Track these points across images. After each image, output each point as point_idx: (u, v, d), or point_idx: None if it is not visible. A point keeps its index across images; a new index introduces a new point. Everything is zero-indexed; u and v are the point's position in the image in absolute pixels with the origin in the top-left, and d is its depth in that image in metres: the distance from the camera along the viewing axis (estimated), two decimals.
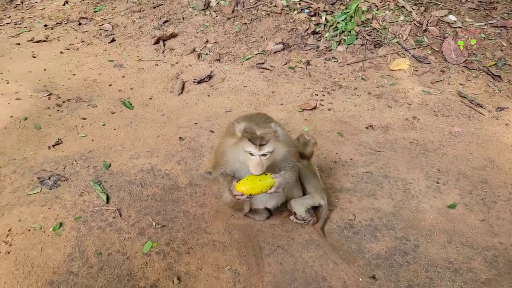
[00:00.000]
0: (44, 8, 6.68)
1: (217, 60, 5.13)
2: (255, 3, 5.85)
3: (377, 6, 5.50)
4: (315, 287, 2.43)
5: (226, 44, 5.39)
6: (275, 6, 5.73)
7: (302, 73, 4.83)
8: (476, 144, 3.71)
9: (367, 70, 4.87)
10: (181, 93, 4.49)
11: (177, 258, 2.59)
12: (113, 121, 3.96)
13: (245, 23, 5.61)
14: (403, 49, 5.04)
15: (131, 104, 4.27)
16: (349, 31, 5.25)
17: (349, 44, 5.18)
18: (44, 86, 4.54)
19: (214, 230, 2.81)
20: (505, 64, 4.74)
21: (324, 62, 5.02)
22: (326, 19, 5.44)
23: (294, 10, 5.64)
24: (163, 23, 5.86)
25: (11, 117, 3.92)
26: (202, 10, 5.93)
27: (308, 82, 4.66)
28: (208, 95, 4.46)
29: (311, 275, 2.50)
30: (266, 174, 2.44)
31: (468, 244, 2.71)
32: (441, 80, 4.64)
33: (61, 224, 2.80)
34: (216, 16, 5.81)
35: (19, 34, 5.93)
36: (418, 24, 5.27)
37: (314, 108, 4.22)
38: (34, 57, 5.27)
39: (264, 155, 2.34)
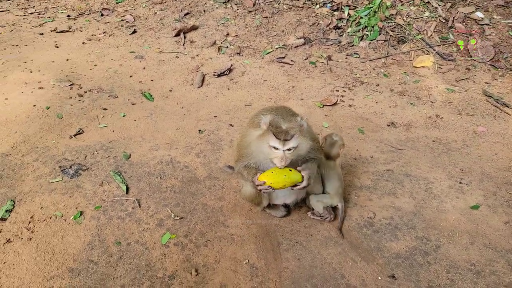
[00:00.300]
0: None
1: (237, 53, 5.11)
2: None
3: (401, 1, 5.37)
4: (333, 284, 2.41)
5: (247, 37, 5.36)
6: (297, 0, 5.66)
7: (323, 68, 4.77)
8: (501, 144, 3.60)
9: (390, 67, 4.77)
10: (201, 85, 4.49)
11: (195, 250, 2.61)
12: (134, 112, 4.00)
13: (266, 17, 5.56)
14: (427, 46, 4.91)
15: (151, 95, 4.30)
16: (372, 27, 5.15)
17: (371, 40, 5.08)
18: (67, 76, 4.61)
19: (232, 223, 2.81)
20: None
21: (346, 58, 4.94)
22: (348, 13, 5.34)
23: (317, 4, 5.56)
24: (184, 15, 5.87)
25: (34, 106, 4.00)
26: (223, 3, 5.91)
27: (329, 78, 4.60)
28: (228, 89, 4.45)
29: (329, 272, 2.48)
30: (291, 170, 2.41)
31: (491, 246, 2.64)
32: (466, 78, 4.52)
33: (81, 213, 2.84)
34: (237, 9, 5.78)
35: (43, 24, 6.03)
36: (443, 21, 5.12)
37: (335, 104, 4.16)
38: (57, 47, 5.35)
39: (288, 149, 2.32)
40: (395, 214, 2.89)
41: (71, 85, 4.43)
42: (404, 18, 5.21)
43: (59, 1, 6.73)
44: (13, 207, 2.87)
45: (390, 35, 5.08)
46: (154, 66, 4.89)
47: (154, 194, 3.04)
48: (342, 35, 5.22)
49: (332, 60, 4.91)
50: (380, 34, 5.10)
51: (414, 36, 5.04)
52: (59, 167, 3.25)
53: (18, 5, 6.68)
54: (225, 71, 4.68)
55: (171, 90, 4.41)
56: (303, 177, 2.45)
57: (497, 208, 2.94)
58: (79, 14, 6.30)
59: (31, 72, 4.66)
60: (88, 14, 6.29)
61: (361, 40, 5.13)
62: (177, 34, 5.47)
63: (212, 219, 2.84)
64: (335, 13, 5.42)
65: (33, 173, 3.18)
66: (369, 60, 4.87)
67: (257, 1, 5.80)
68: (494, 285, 2.40)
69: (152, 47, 5.31)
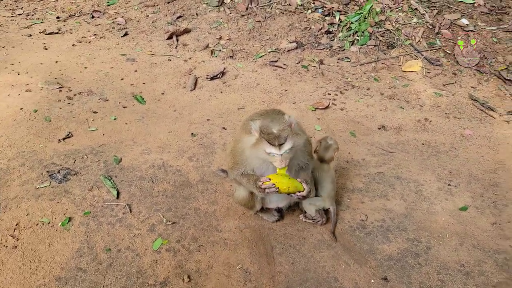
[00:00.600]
0: (57, 0, 6.69)
1: (230, 57, 5.11)
2: (269, 1, 5.83)
3: (390, 8, 5.47)
4: None
5: (240, 41, 5.37)
6: (289, 4, 5.70)
7: (315, 72, 4.81)
8: (488, 147, 3.68)
9: (380, 71, 4.84)
10: (194, 89, 4.48)
11: (187, 256, 2.58)
12: (125, 116, 3.96)
13: (259, 21, 5.59)
14: (415, 51, 5.00)
15: (143, 98, 4.27)
16: (363, 32, 5.22)
17: (362, 45, 5.15)
18: (55, 78, 4.54)
19: (225, 228, 2.80)
20: None
21: (337, 62, 5.00)
22: (339, 19, 5.41)
23: (308, 9, 5.62)
24: (177, 18, 5.86)
25: (21, 109, 3.92)
26: (216, 6, 5.92)
27: (321, 81, 4.64)
28: (221, 92, 4.45)
29: (323, 276, 2.50)
30: (293, 179, 2.43)
31: (480, 247, 2.70)
32: (453, 83, 4.61)
33: (70, 219, 2.79)
34: (230, 13, 5.80)
35: (31, 25, 5.94)
36: (430, 27, 5.23)
37: (327, 107, 4.20)
38: (46, 49, 5.27)
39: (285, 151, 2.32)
40: (387, 216, 2.93)
41: (60, 87, 4.36)
42: (393, 24, 5.30)
43: (48, 3, 6.64)
44: None
45: (380, 40, 5.17)
46: (146, 69, 4.86)
47: (146, 199, 3.00)
48: (333, 40, 5.28)
49: (324, 64, 4.96)
50: (370, 39, 5.18)
51: (403, 42, 5.13)
52: (47, 172, 3.18)
53: (5, 6, 6.56)
54: (218, 74, 4.68)
55: (163, 93, 4.39)
56: (304, 188, 2.48)
57: (485, 210, 3.00)
58: (69, 16, 6.23)
59: (18, 74, 4.58)
60: (79, 16, 6.22)
61: (352, 44, 5.20)
62: (170, 37, 5.46)
63: (205, 224, 2.82)
64: (327, 18, 5.48)
65: (19, 178, 3.10)
66: (360, 65, 4.93)
67: (249, 5, 5.83)
68: (483, 285, 2.45)
69: (144, 50, 5.28)
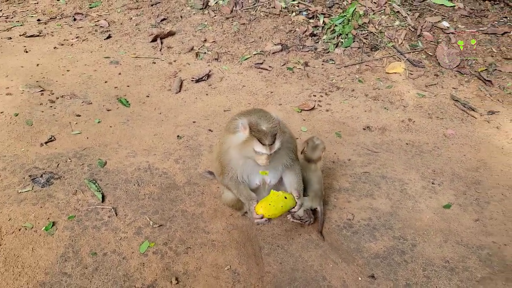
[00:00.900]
0: (37, 3, 6.56)
1: (215, 59, 5.11)
2: (254, 4, 5.86)
3: (373, 11, 5.57)
4: (315, 287, 2.44)
5: (225, 43, 5.38)
6: (274, 7, 5.75)
7: (300, 74, 4.85)
8: (469, 146, 3.77)
9: (364, 73, 4.92)
10: (179, 91, 4.45)
11: (175, 258, 2.56)
12: (109, 118, 3.91)
13: (244, 24, 5.61)
14: (398, 53, 5.10)
15: (127, 101, 4.22)
16: (346, 34, 5.30)
17: (346, 47, 5.23)
18: (37, 81, 4.45)
19: (213, 229, 2.79)
20: (495, 69, 4.84)
21: (322, 64, 5.05)
22: (324, 21, 5.48)
23: (293, 12, 5.67)
24: (161, 21, 5.82)
25: (1, 113, 3.84)
26: (201, 9, 5.91)
27: (306, 83, 4.68)
28: (207, 94, 4.44)
29: (311, 275, 2.50)
30: (286, 198, 2.44)
31: (463, 244, 2.76)
32: (435, 84, 4.72)
33: (53, 224, 2.74)
34: (215, 16, 5.80)
35: (11, 28, 5.81)
36: (412, 29, 5.35)
37: (312, 108, 4.24)
38: (27, 52, 5.17)
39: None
40: (373, 215, 2.96)
41: (41, 91, 4.28)
42: (376, 27, 5.40)
43: (28, 5, 6.51)
44: None
45: (364, 43, 5.25)
46: (130, 71, 4.81)
47: (132, 202, 2.97)
48: (318, 42, 5.34)
49: (309, 66, 5.01)
50: (354, 41, 5.26)
51: (386, 44, 5.23)
52: (29, 176, 3.12)
53: None
54: (203, 76, 4.67)
55: (148, 96, 4.35)
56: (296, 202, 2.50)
57: (467, 207, 3.07)
58: (50, 19, 6.11)
59: None
60: (60, 19, 6.12)
61: (336, 47, 5.27)
62: (154, 40, 5.42)
63: (192, 226, 2.80)
64: (311, 20, 5.54)
65: (0, 183, 3.03)
66: (344, 66, 5.00)
67: (234, 8, 5.84)
68: (468, 280, 2.51)
69: (128, 53, 5.23)
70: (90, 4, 6.38)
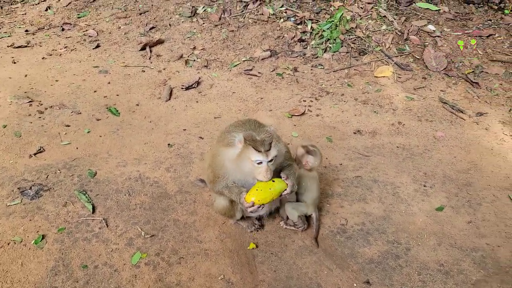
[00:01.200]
0: (25, 13, 6.51)
1: (205, 66, 5.11)
2: (242, 11, 5.89)
3: (360, 16, 5.63)
4: None
5: (214, 50, 5.38)
6: (262, 14, 5.78)
7: (289, 80, 4.87)
8: (459, 148, 3.81)
9: (353, 77, 4.95)
10: (169, 99, 4.43)
11: (167, 269, 2.53)
12: (99, 128, 3.87)
13: (232, 30, 5.63)
14: (386, 57, 5.15)
15: (117, 110, 4.18)
16: (334, 39, 5.34)
17: (334, 52, 5.27)
18: (25, 92, 4.40)
19: (205, 238, 2.76)
20: (482, 71, 4.92)
21: (311, 69, 5.08)
22: (311, 27, 5.52)
23: (281, 18, 5.71)
24: (150, 29, 5.82)
25: None
26: (189, 17, 5.92)
27: (296, 89, 4.70)
28: (197, 101, 4.42)
29: (306, 282, 2.48)
30: (273, 180, 2.40)
31: (457, 246, 2.76)
32: (423, 87, 4.77)
33: (43, 237, 2.70)
34: (203, 23, 5.81)
35: None
36: (399, 33, 5.42)
37: (303, 114, 4.24)
38: (15, 62, 5.11)
39: (271, 160, 2.30)
40: (366, 219, 2.96)
41: (30, 101, 4.23)
42: (364, 31, 5.46)
43: (16, 16, 6.45)
44: None
45: (352, 47, 5.30)
46: (120, 80, 4.78)
47: (123, 212, 2.93)
48: (306, 48, 5.38)
49: (298, 72, 5.03)
50: (342, 46, 5.31)
51: (374, 48, 5.28)
52: (18, 188, 3.07)
53: None
54: (193, 84, 4.65)
55: (138, 104, 4.32)
56: (287, 184, 2.45)
57: (460, 209, 3.09)
58: (39, 29, 6.06)
59: None
60: (48, 29, 6.07)
61: (324, 52, 5.30)
62: (143, 48, 5.41)
63: (184, 235, 2.77)
64: (299, 26, 5.58)
65: None
66: (333, 71, 5.03)
67: (222, 15, 5.86)
68: (463, 283, 2.51)
69: (117, 62, 5.20)
70: (79, 14, 6.35)
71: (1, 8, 6.72)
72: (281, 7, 5.81)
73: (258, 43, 5.42)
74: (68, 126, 3.88)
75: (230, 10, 5.92)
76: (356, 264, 2.61)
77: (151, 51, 5.37)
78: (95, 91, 4.53)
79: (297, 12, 5.72)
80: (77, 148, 3.58)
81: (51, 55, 5.35)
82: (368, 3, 5.76)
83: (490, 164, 3.58)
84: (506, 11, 5.74)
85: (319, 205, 2.98)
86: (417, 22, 5.54)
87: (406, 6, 5.86)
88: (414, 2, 5.89)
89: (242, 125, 2.45)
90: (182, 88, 4.60)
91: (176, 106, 4.32)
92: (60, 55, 5.37)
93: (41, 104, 4.21)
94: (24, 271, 2.46)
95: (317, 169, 2.87)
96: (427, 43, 5.27)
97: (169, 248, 2.67)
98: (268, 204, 2.48)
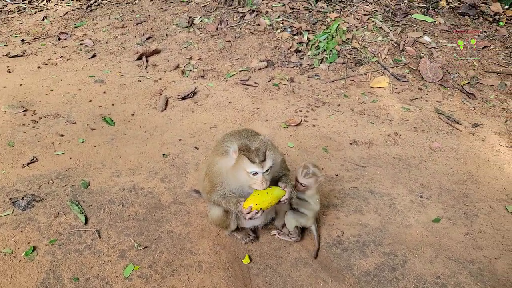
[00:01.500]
0: (21, 23, 6.53)
1: (201, 76, 5.11)
2: (239, 22, 5.93)
3: (356, 27, 5.68)
4: None
5: (210, 60, 5.40)
6: (258, 25, 5.82)
7: (286, 90, 4.88)
8: (455, 159, 3.80)
9: (349, 88, 4.97)
10: (165, 109, 4.42)
11: (160, 282, 2.49)
12: (93, 138, 3.84)
13: (229, 41, 5.66)
14: (382, 68, 5.18)
15: (112, 120, 4.16)
16: (331, 50, 5.38)
17: (331, 62, 5.30)
18: (20, 101, 4.38)
19: (199, 250, 2.72)
20: (478, 82, 4.95)
21: (308, 79, 5.10)
22: (308, 38, 5.56)
23: (277, 29, 5.75)
24: (146, 39, 5.83)
25: None
26: (186, 27, 5.95)
27: (292, 99, 4.70)
28: (192, 111, 4.41)
29: None
30: (270, 187, 2.37)
31: (454, 258, 2.73)
32: (419, 98, 4.79)
33: (34, 248, 2.65)
34: (200, 34, 5.84)
35: None
36: (395, 44, 5.46)
37: (299, 124, 4.24)
38: (10, 72, 5.10)
39: (266, 171, 2.28)
40: (362, 231, 2.93)
41: (24, 111, 4.20)
42: (360, 42, 5.50)
43: (12, 25, 6.46)
44: None
45: (348, 58, 5.33)
46: (115, 90, 4.77)
47: (116, 224, 2.89)
48: (303, 58, 5.40)
49: (295, 82, 5.04)
50: (338, 57, 5.34)
51: (370, 59, 5.31)
52: (10, 199, 3.03)
53: None
54: (189, 94, 4.65)
55: (133, 114, 4.30)
56: (285, 191, 2.42)
57: (457, 220, 3.06)
58: (35, 38, 6.07)
59: None
60: (44, 38, 6.08)
61: (321, 62, 5.33)
62: (139, 58, 5.41)
63: (178, 247, 2.73)
64: (295, 37, 5.62)
65: None
66: (330, 82, 5.05)
67: (219, 26, 5.90)
68: None
69: (113, 71, 5.19)
70: (75, 24, 6.37)
71: None
72: (277, 18, 5.85)
73: (254, 53, 5.44)
74: (62, 135, 3.85)
75: (227, 20, 5.96)
76: (352, 276, 2.57)
77: (147, 61, 5.38)
78: (90, 101, 4.51)
79: (294, 23, 5.77)
80: (70, 158, 3.55)
81: (46, 64, 5.34)
82: (364, 15, 5.82)
83: (486, 175, 3.57)
84: (501, 23, 5.82)
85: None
86: (413, 33, 5.60)
87: (401, 18, 5.92)
88: (410, 14, 5.96)
89: (237, 134, 2.43)
90: (178, 98, 4.60)
91: (171, 116, 4.31)
92: (56, 64, 5.36)
93: (36, 114, 4.19)
94: (13, 284, 2.41)
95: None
96: (423, 54, 5.31)
97: (162, 260, 2.63)
98: (266, 211, 2.43)
